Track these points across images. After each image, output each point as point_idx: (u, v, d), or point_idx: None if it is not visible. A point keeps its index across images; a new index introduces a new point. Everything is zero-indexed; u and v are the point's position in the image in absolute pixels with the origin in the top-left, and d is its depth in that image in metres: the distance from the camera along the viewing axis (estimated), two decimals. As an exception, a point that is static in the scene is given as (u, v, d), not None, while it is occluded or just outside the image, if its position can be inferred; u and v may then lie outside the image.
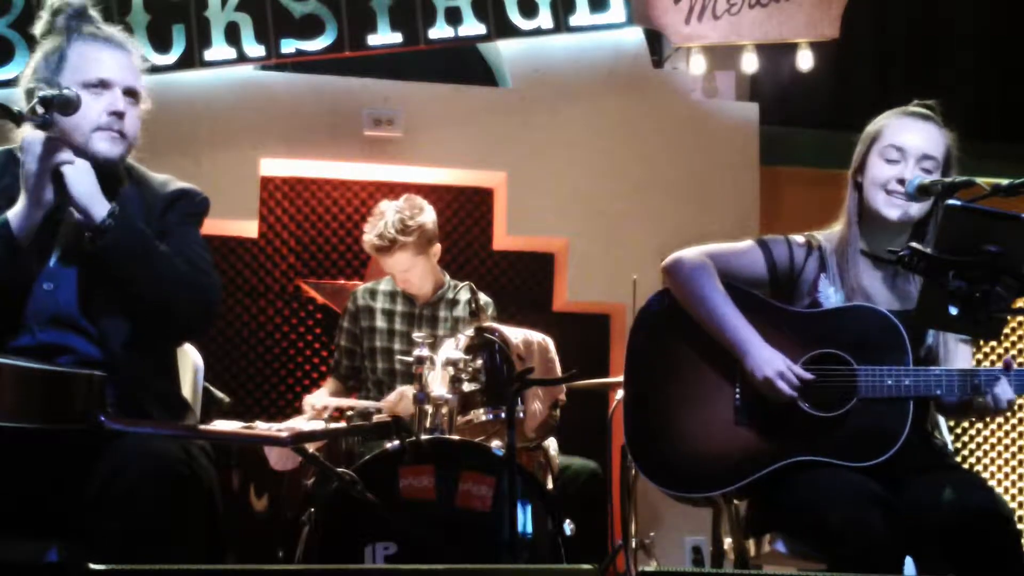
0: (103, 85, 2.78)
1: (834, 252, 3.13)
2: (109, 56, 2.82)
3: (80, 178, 2.66)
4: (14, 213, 2.67)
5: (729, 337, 3.02)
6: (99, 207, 2.66)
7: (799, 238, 3.18)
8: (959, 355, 3.10)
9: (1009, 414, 6.05)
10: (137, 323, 2.76)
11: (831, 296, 3.10)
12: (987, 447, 6.15)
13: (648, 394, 3.14)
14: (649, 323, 3.18)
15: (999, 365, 2.97)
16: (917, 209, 3.04)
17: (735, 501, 3.26)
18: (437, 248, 4.67)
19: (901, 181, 3.03)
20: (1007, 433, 6.16)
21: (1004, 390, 2.91)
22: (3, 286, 2.67)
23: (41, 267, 2.75)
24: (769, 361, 2.96)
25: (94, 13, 2.92)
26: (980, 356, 6.02)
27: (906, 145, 3.06)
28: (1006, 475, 6.14)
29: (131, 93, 2.82)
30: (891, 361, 2.95)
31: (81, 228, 2.71)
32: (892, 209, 3.04)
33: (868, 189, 3.09)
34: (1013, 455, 6.16)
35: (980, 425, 6.12)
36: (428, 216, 4.59)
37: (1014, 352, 6.17)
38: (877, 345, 2.97)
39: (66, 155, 2.65)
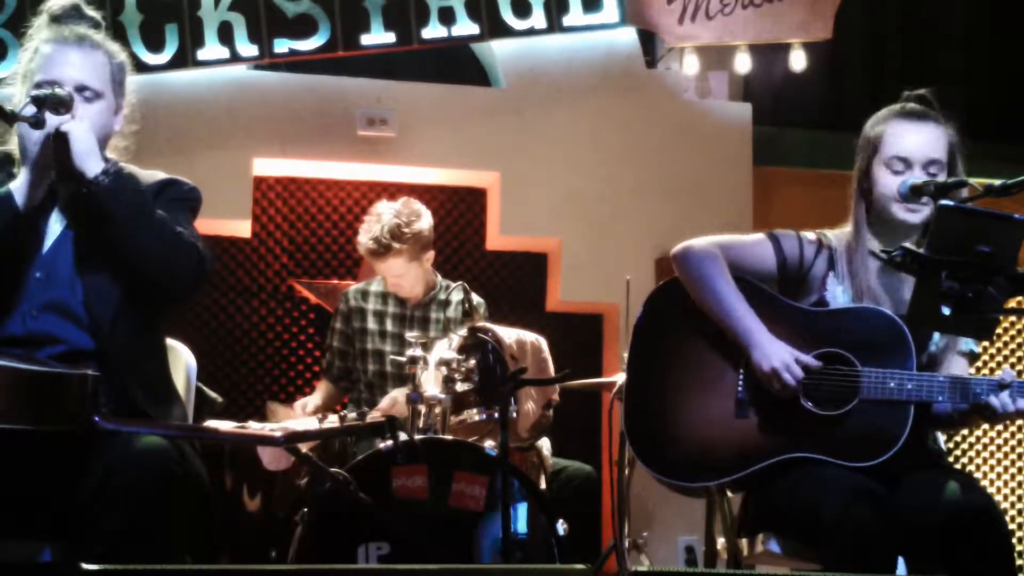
0: (52, 86, 2.77)
1: (843, 253, 3.13)
2: (66, 57, 2.82)
3: (81, 136, 2.70)
4: (17, 185, 2.71)
5: (735, 328, 3.01)
6: (95, 163, 2.70)
7: (810, 235, 3.17)
8: (956, 367, 3.10)
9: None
10: (132, 286, 2.77)
11: (839, 296, 3.09)
12: (979, 447, 6.16)
13: (651, 381, 3.13)
14: (655, 312, 3.17)
15: (999, 374, 2.97)
16: (931, 209, 3.03)
17: (728, 493, 3.25)
18: (431, 254, 4.66)
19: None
20: (999, 433, 6.17)
21: (1006, 401, 2.90)
22: (5, 256, 2.70)
23: (36, 254, 2.77)
24: (776, 353, 2.95)
25: (91, 12, 2.95)
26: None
27: (910, 155, 3.04)
28: (998, 475, 6.15)
29: (84, 90, 2.81)
30: (895, 364, 2.94)
31: (78, 187, 2.73)
32: (913, 215, 3.04)
33: (881, 200, 3.07)
34: (1006, 455, 6.17)
35: (974, 426, 6.13)
36: (424, 223, 4.57)
37: (1006, 352, 6.19)
38: (882, 347, 2.96)
39: (67, 117, 2.70)
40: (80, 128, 2.70)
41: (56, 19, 2.90)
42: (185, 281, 2.82)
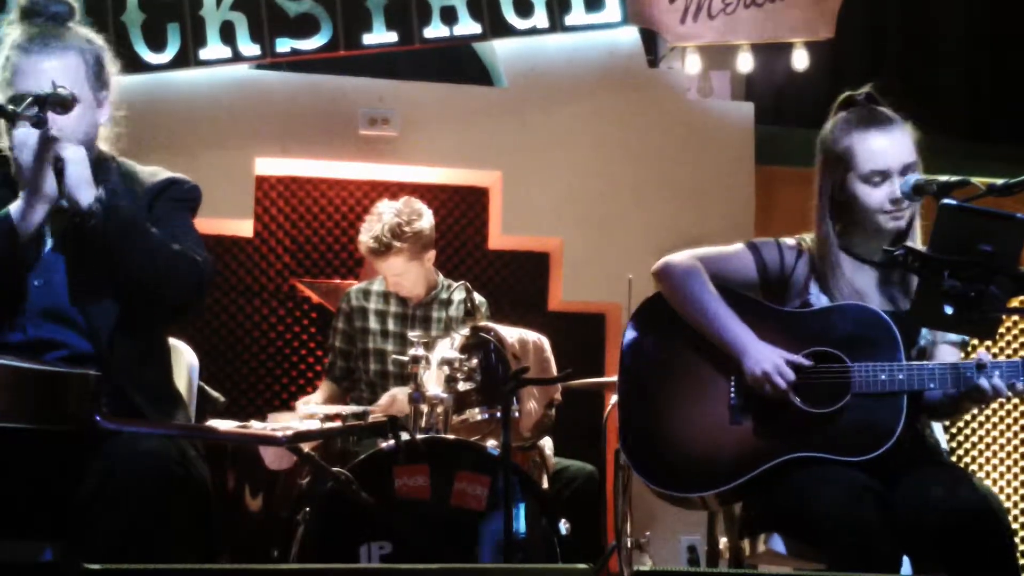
0: (54, 86, 2.66)
1: (819, 258, 3.13)
2: (36, 67, 2.73)
3: (76, 165, 2.65)
4: (16, 208, 2.67)
5: (723, 336, 3.03)
6: (87, 193, 2.64)
7: (790, 240, 3.19)
8: (949, 359, 3.10)
9: (1004, 414, 6.06)
10: (129, 303, 2.74)
11: (822, 298, 3.10)
12: (982, 446, 6.15)
13: (643, 394, 3.14)
14: (644, 323, 3.19)
15: (974, 356, 2.97)
16: (911, 211, 3.06)
17: (733, 504, 3.26)
18: (432, 254, 4.66)
19: (895, 201, 3.02)
20: (1002, 432, 6.16)
21: (1004, 379, 2.90)
22: (4, 267, 2.67)
23: (34, 262, 2.75)
24: (766, 356, 2.97)
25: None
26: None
27: (887, 166, 3.03)
28: (1001, 474, 6.14)
29: None
30: (884, 358, 2.95)
31: (70, 216, 2.70)
32: (894, 223, 3.05)
33: (865, 213, 3.07)
34: (1008, 454, 6.16)
35: (975, 424, 6.12)
36: (425, 222, 4.58)
37: (1009, 352, 6.17)
38: (870, 342, 2.98)
39: (61, 144, 2.65)
40: (75, 155, 2.65)
41: (26, 13, 2.80)
42: (183, 297, 2.78)
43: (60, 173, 2.64)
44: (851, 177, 3.07)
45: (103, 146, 2.91)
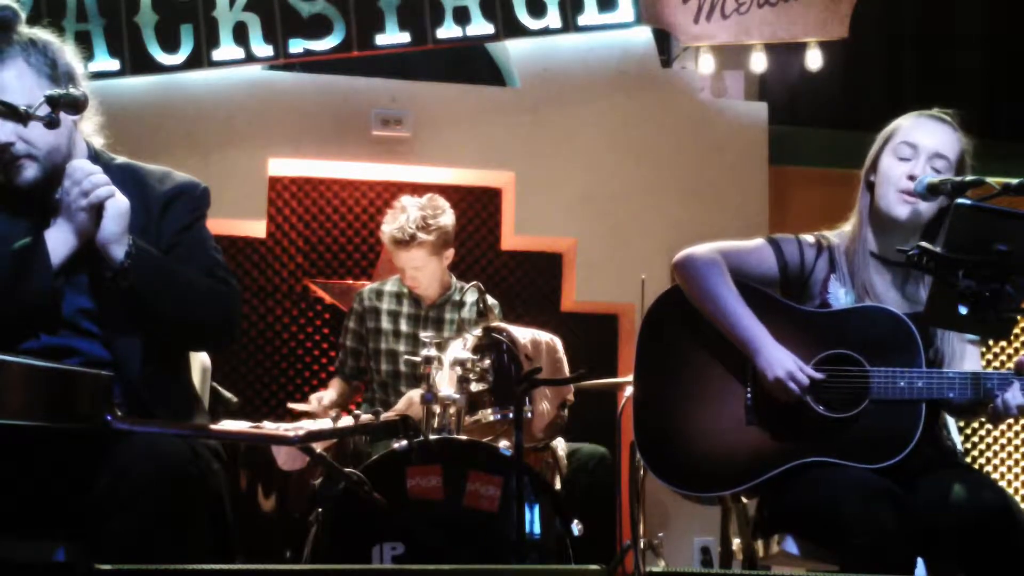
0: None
1: (844, 253, 3.12)
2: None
3: (115, 216, 2.62)
4: (54, 239, 2.64)
5: (740, 335, 3.00)
6: (119, 249, 2.62)
7: (809, 238, 3.17)
8: (967, 356, 3.08)
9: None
10: (159, 340, 2.73)
11: (841, 297, 3.08)
12: (997, 447, 6.13)
13: (658, 392, 3.12)
14: (659, 321, 3.17)
15: (1010, 366, 2.96)
16: (926, 208, 3.03)
17: (743, 500, 3.25)
18: (450, 252, 4.68)
19: (912, 178, 3.01)
20: (1016, 434, 6.14)
21: (1015, 396, 2.89)
22: (28, 312, 2.63)
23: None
24: (780, 361, 2.94)
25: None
26: (990, 356, 6.01)
27: (919, 142, 3.05)
28: (1016, 475, 6.12)
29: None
30: (903, 362, 2.94)
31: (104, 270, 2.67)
32: (902, 207, 3.03)
33: (879, 187, 3.07)
34: (1023, 455, 6.14)
35: (990, 426, 6.09)
36: (448, 218, 4.62)
37: (1024, 352, 6.15)
38: (889, 346, 2.96)
39: (109, 189, 2.62)
40: (116, 208, 2.62)
41: None
42: (213, 339, 2.83)
43: (99, 218, 2.62)
44: (886, 149, 3.10)
45: (96, 143, 2.85)
